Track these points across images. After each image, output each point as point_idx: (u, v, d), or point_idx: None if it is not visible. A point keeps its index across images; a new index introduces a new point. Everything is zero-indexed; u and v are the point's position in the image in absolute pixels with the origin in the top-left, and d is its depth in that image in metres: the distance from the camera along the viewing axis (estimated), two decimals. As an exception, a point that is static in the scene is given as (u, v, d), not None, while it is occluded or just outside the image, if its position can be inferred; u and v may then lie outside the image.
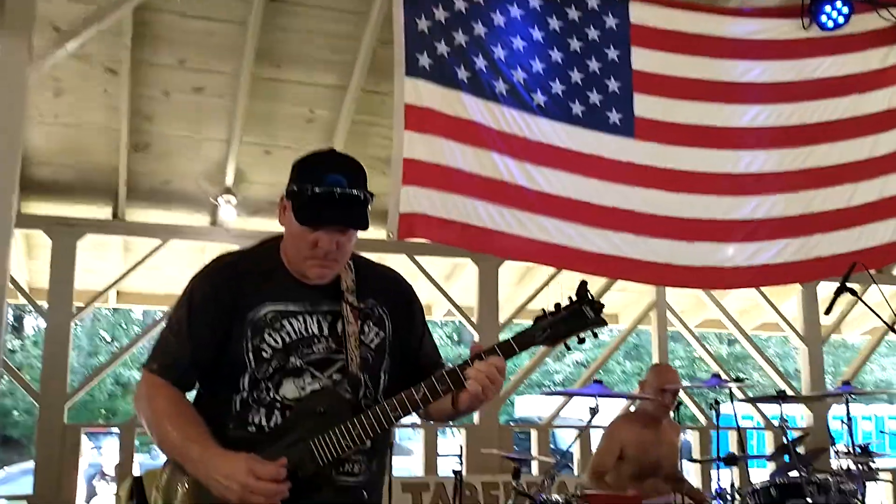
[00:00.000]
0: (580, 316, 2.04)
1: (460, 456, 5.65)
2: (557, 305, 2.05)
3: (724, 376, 5.17)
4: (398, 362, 2.22)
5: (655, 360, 6.84)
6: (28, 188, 5.53)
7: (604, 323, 2.06)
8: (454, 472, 5.22)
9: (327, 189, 2.01)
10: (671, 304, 6.95)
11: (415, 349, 2.27)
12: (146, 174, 5.65)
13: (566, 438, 13.89)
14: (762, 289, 6.68)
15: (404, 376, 2.05)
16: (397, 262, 6.51)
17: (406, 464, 11.10)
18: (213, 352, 2.09)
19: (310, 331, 2.10)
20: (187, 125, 5.45)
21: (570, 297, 2.07)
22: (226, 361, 2.09)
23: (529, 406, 20.78)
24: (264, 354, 2.06)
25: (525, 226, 4.26)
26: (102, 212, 5.72)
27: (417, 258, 6.30)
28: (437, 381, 2.02)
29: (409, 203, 3.98)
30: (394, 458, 5.35)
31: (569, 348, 2.10)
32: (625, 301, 7.75)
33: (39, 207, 5.64)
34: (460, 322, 6.98)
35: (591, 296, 2.06)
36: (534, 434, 6.54)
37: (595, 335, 2.06)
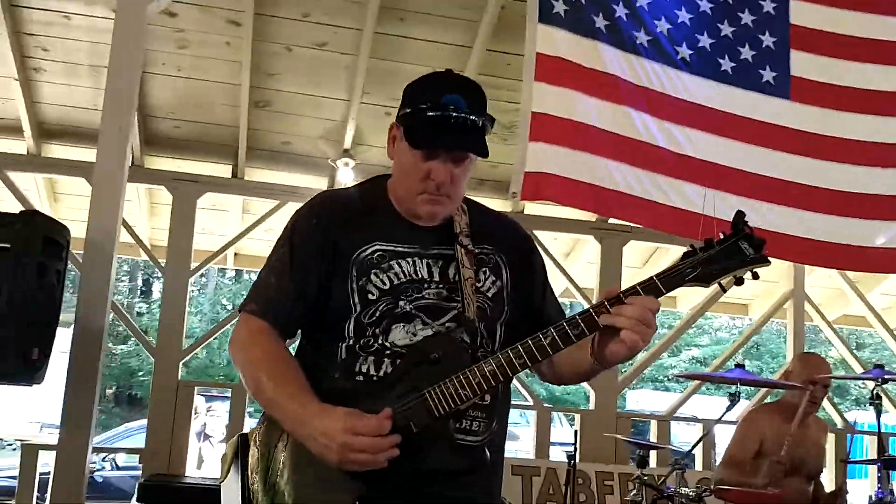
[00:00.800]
0: (737, 252, 1.73)
1: (574, 442, 5.36)
2: (709, 241, 1.74)
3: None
4: (517, 318, 1.96)
5: (790, 358, 6.31)
6: (151, 142, 5.57)
7: (766, 261, 1.73)
8: (568, 457, 4.95)
9: (443, 111, 1.80)
10: (809, 295, 6.41)
11: (536, 305, 2.01)
12: (266, 133, 5.58)
13: (680, 435, 13.38)
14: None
15: (523, 336, 1.77)
16: (516, 236, 6.24)
17: (513, 447, 10.91)
18: (317, 293, 1.88)
19: (420, 274, 1.88)
20: (308, 82, 5.33)
21: (721, 233, 1.75)
22: (330, 307, 1.87)
23: (642, 400, 20.27)
24: (370, 296, 1.85)
25: (664, 191, 3.88)
26: (222, 170, 5.69)
27: (536, 232, 6.01)
28: (568, 325, 1.73)
29: (535, 161, 3.66)
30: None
31: (724, 290, 1.78)
32: (755, 291, 7.22)
33: (162, 163, 5.67)
34: (577, 304, 6.65)
35: (750, 228, 1.74)
36: (653, 425, 6.17)
37: (755, 276, 1.73)
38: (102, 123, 3.85)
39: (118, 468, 9.17)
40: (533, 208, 6.03)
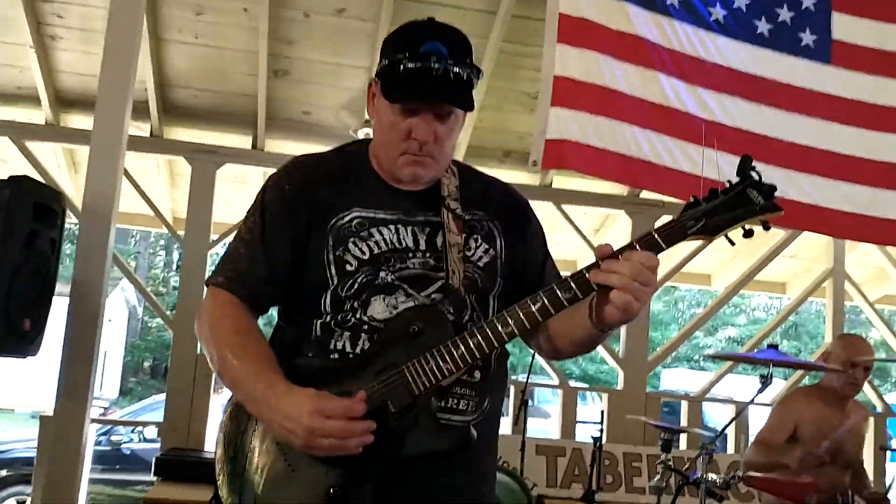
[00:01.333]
0: (744, 201, 1.56)
1: (601, 422, 5.20)
2: (713, 190, 1.57)
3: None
4: (513, 290, 1.79)
5: (829, 339, 6.07)
6: (170, 112, 5.46)
7: (777, 209, 1.56)
8: (593, 438, 4.81)
9: (423, 61, 1.64)
10: (849, 274, 6.15)
11: (534, 277, 1.84)
12: (286, 102, 5.44)
13: (714, 416, 13.15)
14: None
15: None
16: (542, 211, 6.07)
17: (543, 426, 10.77)
18: (292, 265, 1.73)
19: (404, 242, 1.72)
20: (327, 50, 5.18)
21: (728, 181, 1.58)
22: (306, 280, 1.72)
23: (676, 380, 20.01)
24: (348, 267, 1.69)
25: (695, 162, 3.66)
26: (242, 140, 5.57)
27: (564, 207, 5.82)
28: (559, 287, 1.56)
29: (557, 128, 3.47)
30: (529, 419, 5.01)
31: (732, 243, 1.61)
32: (794, 269, 6.96)
33: (181, 133, 5.56)
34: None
35: (758, 174, 1.56)
36: (684, 406, 5.96)
37: (767, 226, 1.56)
38: (100, 86, 3.74)
39: (146, 440, 9.19)
40: (561, 182, 5.83)
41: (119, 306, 21.00)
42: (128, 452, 9.12)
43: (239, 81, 5.30)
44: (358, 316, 1.71)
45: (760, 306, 25.78)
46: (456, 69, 1.66)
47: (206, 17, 4.96)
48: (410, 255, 1.73)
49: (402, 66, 1.66)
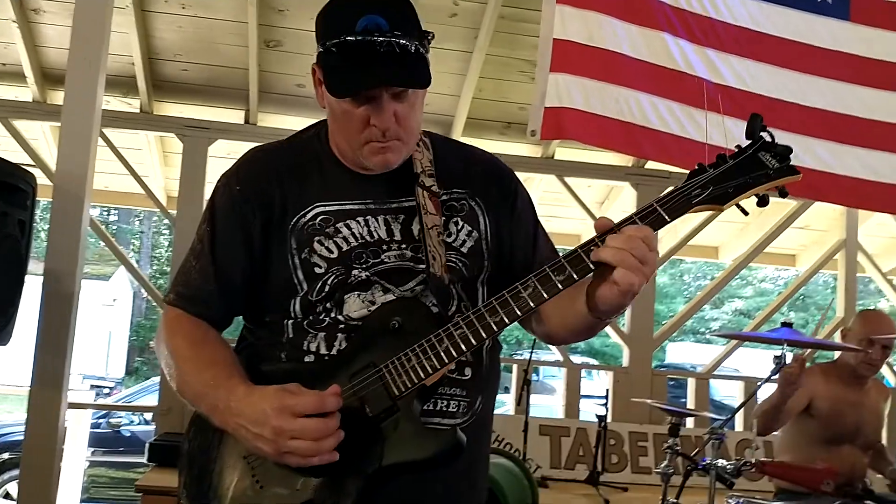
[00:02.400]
0: (756, 165, 1.40)
1: (605, 401, 5.08)
2: (721, 156, 1.42)
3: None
4: (502, 273, 1.63)
5: (840, 312, 5.92)
6: (159, 87, 5.29)
7: (794, 172, 1.40)
8: (598, 417, 4.69)
9: (362, 38, 1.44)
10: (863, 244, 5.97)
11: (526, 256, 1.66)
12: (279, 75, 5.26)
13: (721, 389, 13.00)
14: None
15: None
16: (544, 184, 5.89)
17: (548, 402, 10.65)
18: (249, 275, 1.57)
19: (376, 234, 1.55)
20: (321, 19, 4.98)
21: (737, 146, 1.43)
22: (270, 287, 1.56)
23: (682, 354, 19.90)
24: (317, 269, 1.53)
25: (702, 129, 3.47)
26: (235, 115, 5.40)
27: (568, 180, 5.65)
28: (552, 270, 1.40)
29: (557, 94, 3.28)
30: (533, 395, 4.88)
31: (745, 213, 1.45)
32: (804, 240, 6.79)
33: (171, 108, 5.40)
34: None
35: (771, 135, 1.41)
36: (691, 384, 5.83)
37: (784, 192, 1.41)
38: (70, 58, 3.57)
39: (146, 422, 9.09)
40: (564, 153, 5.65)
41: (124, 286, 20.94)
42: (128, 435, 9.03)
43: (229, 54, 5.12)
44: (333, 315, 1.55)
45: (768, 278, 25.61)
46: (402, 42, 1.47)
47: (193, -15, 4.77)
48: (384, 247, 1.57)
49: (339, 51, 1.48)
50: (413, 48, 1.48)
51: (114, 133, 5.23)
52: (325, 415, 1.40)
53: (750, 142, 1.43)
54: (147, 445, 4.63)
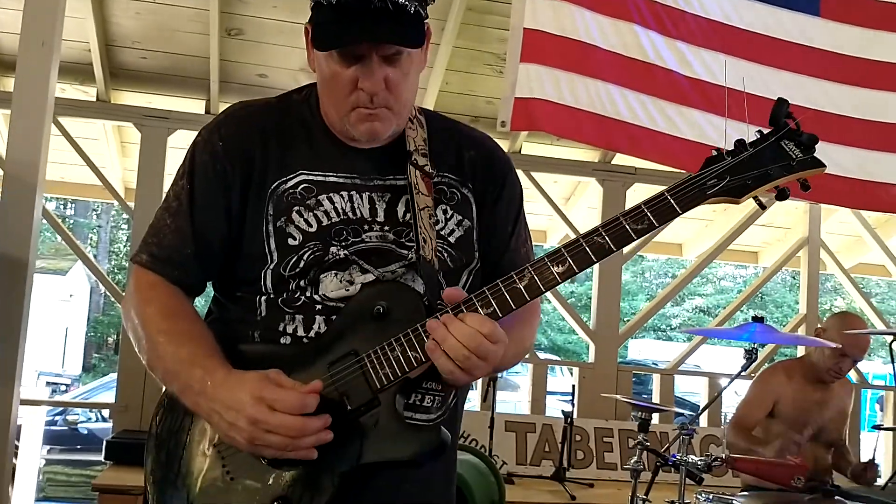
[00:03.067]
0: (778, 154, 1.32)
1: (572, 397, 5.05)
2: (739, 141, 1.33)
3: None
4: (485, 265, 1.56)
5: (802, 309, 5.96)
6: (117, 75, 5.14)
7: (819, 164, 1.32)
8: (564, 413, 4.66)
9: None
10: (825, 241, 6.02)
11: (496, 253, 1.57)
12: (240, 65, 5.15)
13: (681, 385, 13.10)
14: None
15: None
16: (512, 178, 5.84)
17: (512, 398, 10.64)
18: (227, 237, 1.47)
19: (359, 212, 1.46)
20: (285, 8, 4.88)
21: (758, 131, 1.33)
22: (242, 253, 1.46)
23: (643, 350, 20.06)
24: (291, 241, 1.43)
25: (674, 122, 3.45)
26: (195, 105, 5.27)
27: (535, 175, 5.60)
28: (551, 260, 1.37)
29: (528, 86, 3.23)
30: (497, 392, 4.83)
31: (763, 207, 1.38)
32: (767, 237, 6.84)
33: (129, 97, 5.25)
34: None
35: (796, 122, 1.32)
36: (656, 379, 5.83)
37: (805, 186, 1.32)
38: (21, 40, 3.44)
39: (104, 419, 8.90)
40: (530, 148, 5.60)
41: (81, 281, 20.54)
42: (85, 432, 8.84)
43: (190, 42, 4.99)
44: (308, 295, 1.46)
45: (728, 276, 25.90)
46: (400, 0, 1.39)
47: (152, -30, 4.63)
48: (366, 227, 1.48)
49: (330, 5, 1.39)
50: (412, 8, 1.40)
51: (70, 122, 5.07)
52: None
53: (772, 128, 1.35)
54: (104, 443, 4.51)
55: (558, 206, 5.72)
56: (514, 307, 1.35)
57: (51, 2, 3.47)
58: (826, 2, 3.78)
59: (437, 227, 1.51)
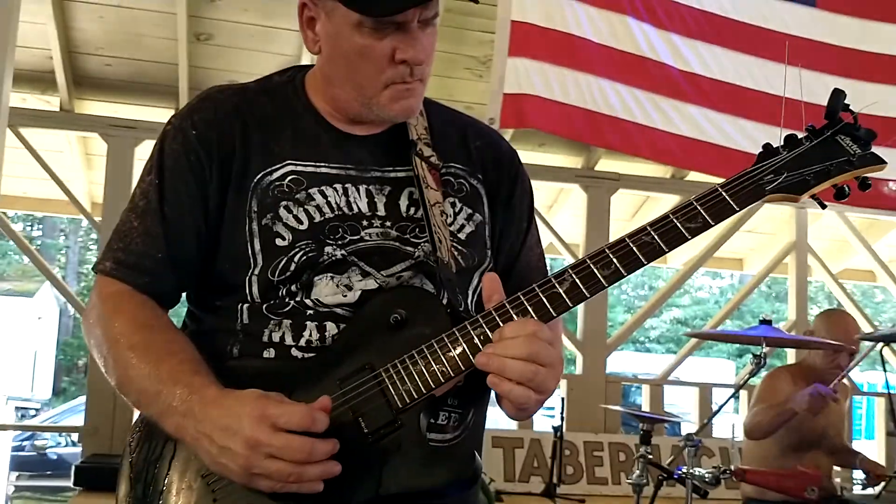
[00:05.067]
0: (837, 149, 1.21)
1: (561, 410, 4.89)
2: (791, 136, 1.21)
3: None
4: (498, 266, 1.39)
5: (791, 315, 5.85)
6: (81, 83, 4.95)
7: (879, 161, 1.21)
8: (553, 428, 4.51)
9: None
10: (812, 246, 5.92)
11: (511, 254, 1.42)
12: (210, 71, 4.97)
13: (667, 397, 12.99)
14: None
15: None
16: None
17: (490, 413, 10.47)
18: (204, 238, 1.28)
19: (355, 207, 1.28)
20: (256, 11, 4.72)
21: (810, 125, 1.22)
22: (219, 257, 1.26)
23: (623, 363, 19.97)
24: (279, 241, 1.24)
25: (668, 117, 3.31)
26: (163, 114, 5.07)
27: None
28: (595, 263, 1.20)
29: (517, 80, 3.08)
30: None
31: (823, 206, 1.24)
32: (752, 244, 6.75)
33: (94, 107, 5.06)
34: (562, 260, 6.13)
35: (854, 115, 1.21)
36: (645, 391, 5.68)
37: (865, 185, 1.22)
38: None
39: (74, 444, 8.62)
40: (512, 155, 5.46)
41: (50, 303, 20.10)
42: (54, 458, 8.54)
43: (157, 47, 4.80)
44: (299, 299, 1.27)
45: (705, 286, 25.94)
46: None
47: (116, -28, 4.45)
48: (365, 223, 1.30)
49: None
50: None
51: (31, 133, 4.87)
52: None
53: (828, 122, 1.23)
54: (73, 468, 4.29)
55: (541, 214, 5.57)
56: (554, 315, 1.19)
57: (3, 3, 3.26)
58: None
59: (448, 222, 1.34)
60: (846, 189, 1.24)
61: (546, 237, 5.67)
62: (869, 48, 3.69)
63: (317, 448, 1.10)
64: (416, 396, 1.18)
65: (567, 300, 1.18)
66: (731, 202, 1.19)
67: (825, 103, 3.52)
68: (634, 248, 1.18)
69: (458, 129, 1.46)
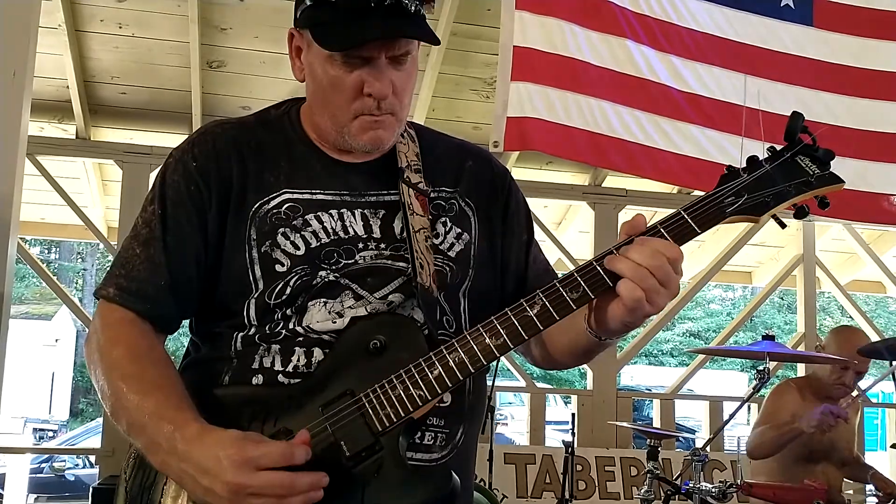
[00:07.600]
0: (796, 171, 1.24)
1: (572, 426, 4.92)
2: (752, 158, 1.24)
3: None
4: (487, 285, 1.43)
5: (801, 328, 5.87)
6: (97, 111, 5.05)
7: (837, 181, 1.24)
8: (565, 443, 4.52)
9: None
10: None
11: (517, 268, 1.47)
12: (223, 97, 5.07)
13: (677, 410, 12.96)
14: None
15: (497, 309, 1.26)
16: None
17: (500, 430, 10.46)
18: (204, 266, 1.34)
19: (351, 230, 1.34)
20: (266, 38, 4.81)
21: (770, 148, 1.25)
22: (220, 286, 1.33)
23: (635, 377, 19.90)
24: (278, 267, 1.31)
25: (670, 137, 3.37)
26: (177, 140, 5.14)
27: (526, 198, 5.51)
28: (564, 286, 1.21)
29: (520, 104, 3.15)
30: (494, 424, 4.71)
31: (783, 226, 1.27)
32: (760, 257, 6.78)
33: (110, 134, 5.16)
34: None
35: (812, 137, 1.24)
36: (656, 405, 5.71)
37: (824, 204, 1.24)
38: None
39: (91, 465, 8.68)
40: (519, 173, 5.52)
41: (67, 326, 20.26)
42: (72, 479, 8.61)
43: (170, 75, 4.91)
44: (290, 326, 1.33)
45: (717, 298, 25.86)
46: None
47: (129, 3, 4.55)
48: (360, 245, 1.36)
49: (328, 4, 1.29)
50: (412, 7, 1.31)
51: (49, 161, 4.97)
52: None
53: (787, 144, 1.26)
54: (91, 490, 4.34)
55: (550, 231, 5.64)
56: (525, 338, 1.24)
57: (22, 30, 3.36)
58: (819, 12, 3.74)
59: (437, 241, 1.40)
60: (805, 208, 1.26)
61: (554, 254, 5.74)
62: (866, 65, 3.75)
63: (298, 481, 1.16)
64: (395, 420, 1.23)
65: (537, 322, 1.22)
66: (693, 225, 1.22)
67: (823, 121, 3.57)
68: (602, 272, 1.21)
69: (450, 153, 1.53)
